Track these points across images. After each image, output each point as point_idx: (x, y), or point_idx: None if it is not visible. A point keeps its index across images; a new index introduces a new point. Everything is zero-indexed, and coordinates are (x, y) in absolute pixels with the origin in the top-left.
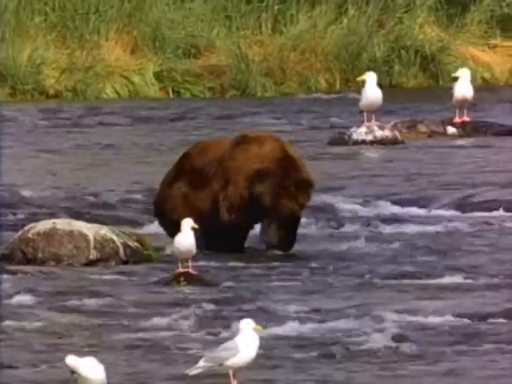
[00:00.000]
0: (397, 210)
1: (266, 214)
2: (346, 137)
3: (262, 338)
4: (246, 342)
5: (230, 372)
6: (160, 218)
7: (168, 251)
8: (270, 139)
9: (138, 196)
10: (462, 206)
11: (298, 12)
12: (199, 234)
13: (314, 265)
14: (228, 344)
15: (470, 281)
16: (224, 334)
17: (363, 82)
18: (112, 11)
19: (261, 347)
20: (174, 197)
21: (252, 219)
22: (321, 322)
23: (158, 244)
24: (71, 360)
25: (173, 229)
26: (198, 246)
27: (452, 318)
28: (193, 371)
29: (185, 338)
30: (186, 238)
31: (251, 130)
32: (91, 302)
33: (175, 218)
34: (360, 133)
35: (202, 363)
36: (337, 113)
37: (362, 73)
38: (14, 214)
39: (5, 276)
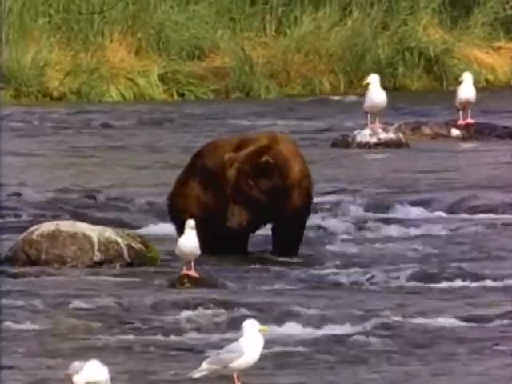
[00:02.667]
0: (401, 212)
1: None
2: (350, 139)
3: (266, 340)
4: (250, 343)
5: (235, 374)
6: (172, 216)
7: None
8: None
9: (143, 198)
10: (466, 208)
11: (302, 14)
12: (207, 236)
13: (318, 267)
14: (232, 346)
15: (473, 283)
16: (228, 336)
17: (368, 86)
18: (116, 13)
19: (265, 349)
20: (187, 197)
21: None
22: (326, 324)
23: (162, 246)
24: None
25: (184, 229)
26: (204, 248)
27: (457, 321)
28: (197, 374)
29: (189, 340)
30: (189, 239)
31: (255, 131)
32: (95, 304)
33: (187, 218)
34: (364, 135)
35: (205, 365)
36: (341, 115)
37: (366, 75)
38: (18, 216)
39: (8, 278)
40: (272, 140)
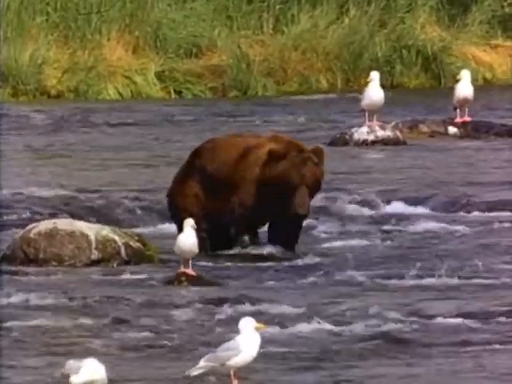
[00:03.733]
0: (398, 209)
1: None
2: (348, 137)
3: (263, 338)
4: (247, 341)
5: (231, 372)
6: (172, 215)
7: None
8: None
9: (140, 196)
10: (463, 206)
11: (299, 12)
12: (205, 235)
13: (316, 264)
14: (229, 343)
15: (471, 281)
16: (225, 334)
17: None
18: (114, 11)
19: (262, 346)
20: (186, 195)
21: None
22: (323, 321)
23: (159, 244)
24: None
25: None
26: (201, 246)
27: (454, 319)
28: (194, 371)
29: (186, 338)
30: (188, 237)
31: (254, 130)
32: (92, 303)
33: (186, 217)
34: (361, 133)
35: (203, 363)
36: (338, 113)
37: (363, 73)
38: (16, 214)
39: (6, 276)
40: (275, 140)
